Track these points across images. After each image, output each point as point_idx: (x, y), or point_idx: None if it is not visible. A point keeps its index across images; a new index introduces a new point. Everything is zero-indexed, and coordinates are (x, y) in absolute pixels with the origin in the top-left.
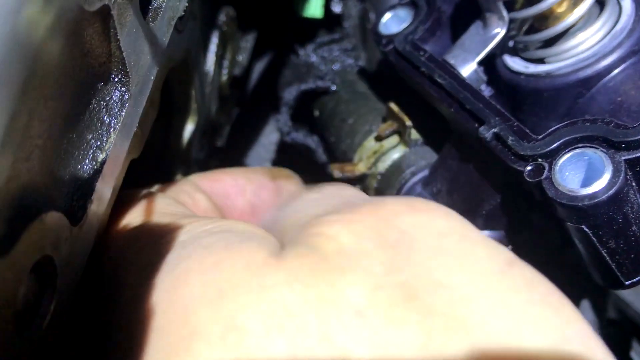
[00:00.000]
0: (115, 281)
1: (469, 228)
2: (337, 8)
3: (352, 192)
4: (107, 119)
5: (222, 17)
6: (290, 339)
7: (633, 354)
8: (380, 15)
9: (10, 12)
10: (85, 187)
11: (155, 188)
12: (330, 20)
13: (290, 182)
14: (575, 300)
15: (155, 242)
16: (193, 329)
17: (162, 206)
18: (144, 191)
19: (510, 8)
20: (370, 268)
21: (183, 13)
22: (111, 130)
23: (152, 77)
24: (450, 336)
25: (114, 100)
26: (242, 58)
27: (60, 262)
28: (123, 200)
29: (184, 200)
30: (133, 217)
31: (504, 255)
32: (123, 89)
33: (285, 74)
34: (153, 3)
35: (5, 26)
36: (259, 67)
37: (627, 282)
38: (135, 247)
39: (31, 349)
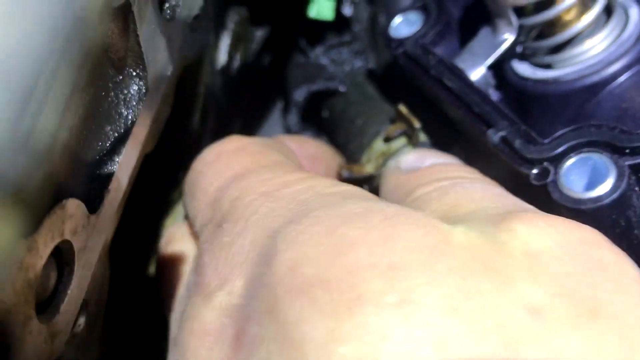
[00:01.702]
0: (240, 230)
1: None
2: (347, 11)
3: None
4: (125, 112)
5: (234, 17)
6: (463, 321)
7: None
8: (390, 18)
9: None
10: (103, 177)
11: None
12: (341, 23)
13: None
14: None
15: (279, 191)
16: (360, 295)
17: (280, 158)
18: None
19: (519, 14)
20: (557, 276)
21: (198, 12)
22: (129, 122)
23: (168, 73)
24: None
25: (132, 94)
26: (254, 58)
27: (79, 247)
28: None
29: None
30: (247, 164)
31: None
32: (141, 82)
33: (295, 75)
34: (170, 1)
35: (68, 7)
36: (270, 67)
37: None
38: (259, 192)
39: (49, 331)
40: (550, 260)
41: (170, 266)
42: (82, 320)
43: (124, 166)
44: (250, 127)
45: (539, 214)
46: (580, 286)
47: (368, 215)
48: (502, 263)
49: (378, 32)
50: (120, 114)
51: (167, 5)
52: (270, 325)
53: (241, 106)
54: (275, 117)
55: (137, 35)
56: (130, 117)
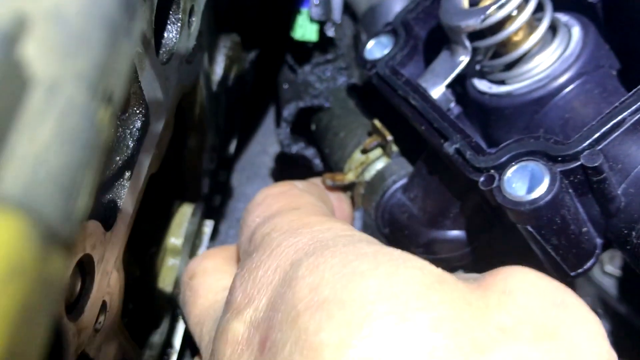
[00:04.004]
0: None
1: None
2: (330, 32)
3: None
4: (131, 143)
5: (227, 43)
6: (447, 336)
7: None
8: (366, 42)
9: (87, 118)
10: (115, 199)
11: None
12: (325, 43)
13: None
14: None
15: (300, 230)
16: (369, 314)
17: (312, 200)
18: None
19: (475, 38)
20: (526, 308)
21: (193, 49)
22: (135, 152)
23: (168, 105)
24: None
25: (137, 128)
26: (247, 78)
27: (97, 259)
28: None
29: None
30: (283, 206)
31: None
32: (143, 118)
33: (285, 92)
34: (165, 46)
35: (86, 131)
36: (263, 86)
37: (572, 274)
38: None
39: (76, 327)
40: (523, 296)
41: (198, 291)
42: (102, 319)
43: (132, 188)
44: (249, 139)
45: (528, 269)
46: (544, 317)
47: (377, 255)
48: (481, 299)
49: (359, 51)
50: (127, 145)
51: (162, 50)
52: (292, 332)
53: (238, 121)
54: (269, 127)
55: (139, 81)
56: (136, 147)
